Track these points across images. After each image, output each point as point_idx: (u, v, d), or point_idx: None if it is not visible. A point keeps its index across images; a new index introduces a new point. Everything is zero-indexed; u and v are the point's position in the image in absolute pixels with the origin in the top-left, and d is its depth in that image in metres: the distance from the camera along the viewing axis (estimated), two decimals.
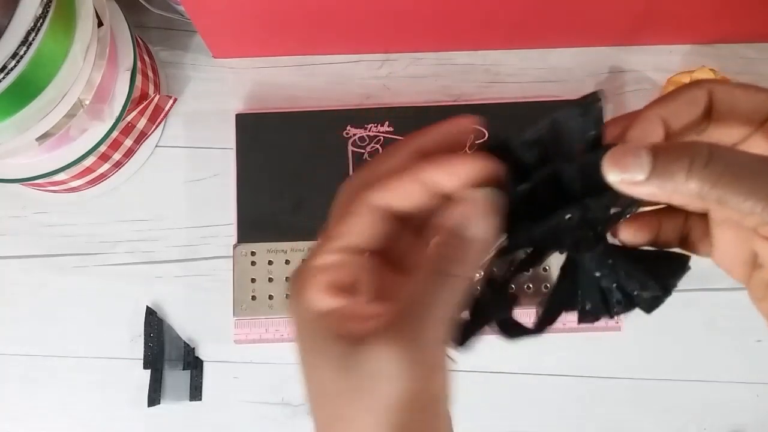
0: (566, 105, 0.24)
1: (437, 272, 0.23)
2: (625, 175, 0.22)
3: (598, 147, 0.24)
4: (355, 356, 0.22)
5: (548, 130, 0.24)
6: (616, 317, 0.26)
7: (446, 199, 0.24)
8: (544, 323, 0.26)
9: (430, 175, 0.24)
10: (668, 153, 0.22)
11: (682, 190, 0.21)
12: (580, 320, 0.26)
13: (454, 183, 0.24)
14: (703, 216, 0.26)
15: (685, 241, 0.27)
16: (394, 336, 0.22)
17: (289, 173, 0.58)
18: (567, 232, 0.24)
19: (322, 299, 0.24)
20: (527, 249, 0.26)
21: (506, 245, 0.25)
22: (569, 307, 0.26)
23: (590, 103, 0.24)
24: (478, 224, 0.23)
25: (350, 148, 0.58)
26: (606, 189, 0.23)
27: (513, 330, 0.26)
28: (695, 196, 0.21)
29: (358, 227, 0.24)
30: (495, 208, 0.24)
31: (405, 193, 0.24)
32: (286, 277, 0.56)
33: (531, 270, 0.26)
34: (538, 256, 0.27)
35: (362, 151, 0.58)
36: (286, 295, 0.56)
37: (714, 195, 0.21)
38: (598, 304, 0.26)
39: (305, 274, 0.25)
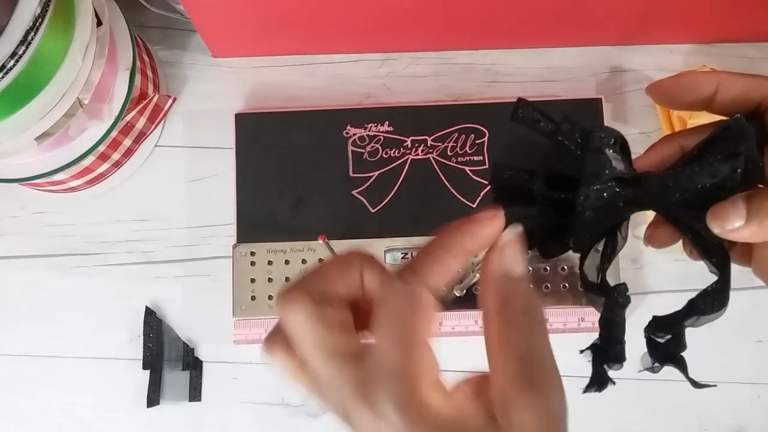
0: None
1: (517, 320, 0.25)
2: (727, 225, 0.25)
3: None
4: (507, 413, 0.23)
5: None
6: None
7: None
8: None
9: (465, 247, 0.26)
10: (759, 197, 0.24)
11: None
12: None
13: (486, 244, 0.26)
14: None
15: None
16: (532, 392, 0.23)
17: (288, 173, 0.58)
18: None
19: (435, 394, 0.24)
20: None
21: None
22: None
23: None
24: (519, 260, 0.26)
25: (350, 147, 0.58)
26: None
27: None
28: None
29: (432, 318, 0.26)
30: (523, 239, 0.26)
31: (448, 272, 0.26)
32: (286, 278, 0.56)
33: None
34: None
35: (362, 150, 0.58)
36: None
37: None
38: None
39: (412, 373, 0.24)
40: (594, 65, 0.60)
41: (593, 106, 0.58)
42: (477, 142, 0.57)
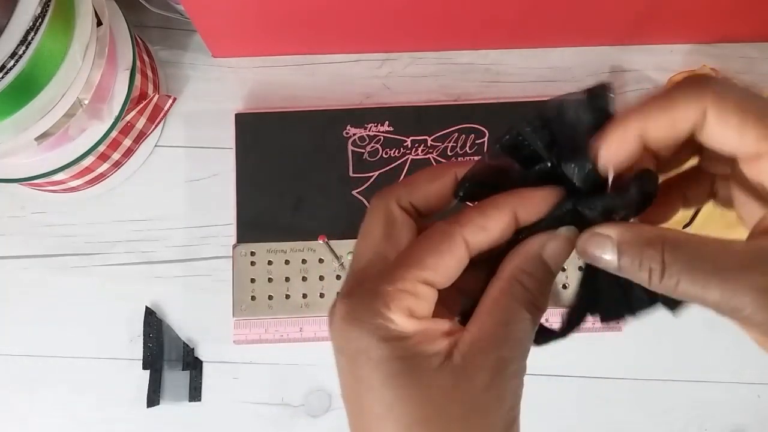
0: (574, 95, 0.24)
1: (530, 303, 0.24)
2: (599, 256, 0.23)
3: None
4: (466, 369, 0.23)
5: (555, 115, 0.24)
6: (639, 316, 0.26)
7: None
8: (570, 327, 0.26)
9: (520, 209, 0.24)
10: (630, 255, 0.22)
11: (652, 288, 0.22)
12: (603, 320, 0.26)
13: (535, 216, 0.25)
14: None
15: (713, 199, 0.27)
16: (492, 356, 0.23)
17: (288, 173, 0.58)
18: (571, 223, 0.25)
19: (406, 321, 0.23)
20: None
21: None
22: (593, 310, 0.26)
23: (596, 95, 0.24)
24: (562, 262, 0.25)
25: (350, 147, 0.58)
26: (603, 190, 0.24)
27: (540, 334, 0.26)
28: (668, 294, 0.22)
29: (445, 265, 0.24)
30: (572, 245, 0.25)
31: (497, 230, 0.24)
32: (286, 278, 0.56)
33: None
34: None
35: (362, 150, 0.58)
36: (286, 296, 0.55)
37: (683, 295, 0.22)
38: (620, 303, 0.25)
39: (385, 294, 0.23)
40: (594, 65, 0.60)
41: None
42: (477, 142, 0.57)
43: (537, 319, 0.24)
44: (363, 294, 0.24)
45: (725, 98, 0.22)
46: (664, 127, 0.23)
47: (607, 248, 0.23)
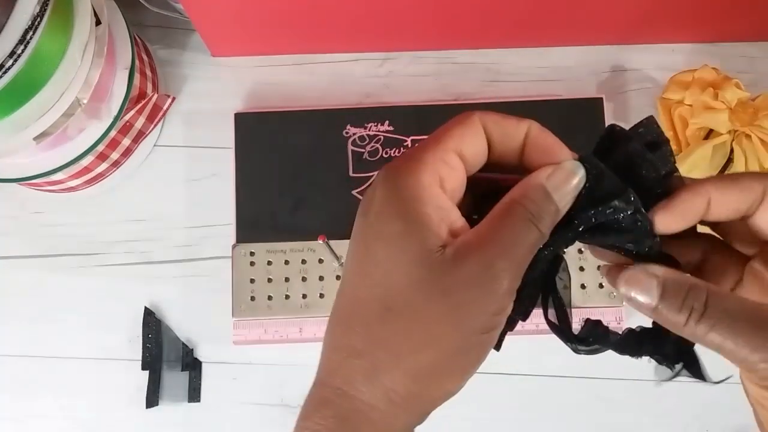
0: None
1: (527, 221, 0.24)
2: (638, 298, 0.24)
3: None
4: (461, 257, 0.23)
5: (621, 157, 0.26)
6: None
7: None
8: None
9: (533, 128, 0.26)
10: (673, 292, 0.24)
11: (681, 332, 0.24)
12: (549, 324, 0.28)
13: (549, 143, 0.26)
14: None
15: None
16: (492, 259, 0.23)
17: (288, 173, 0.57)
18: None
19: (437, 190, 0.24)
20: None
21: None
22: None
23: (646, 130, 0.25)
24: (567, 195, 0.25)
25: (350, 147, 0.58)
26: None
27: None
28: (694, 339, 0.24)
29: (469, 137, 0.25)
30: (579, 188, 0.25)
31: (509, 128, 0.25)
32: (286, 278, 0.55)
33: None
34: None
35: (362, 150, 0.57)
36: (286, 296, 0.55)
37: (710, 342, 0.23)
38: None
39: (424, 159, 0.24)
40: (595, 64, 0.60)
41: (594, 105, 0.58)
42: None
43: (534, 236, 0.24)
44: (407, 159, 0.25)
45: None
46: (730, 202, 0.25)
47: (651, 287, 0.24)
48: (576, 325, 0.28)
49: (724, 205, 0.25)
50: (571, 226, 0.25)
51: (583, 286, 0.55)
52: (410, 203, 0.24)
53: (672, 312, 0.24)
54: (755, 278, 0.26)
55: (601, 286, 0.55)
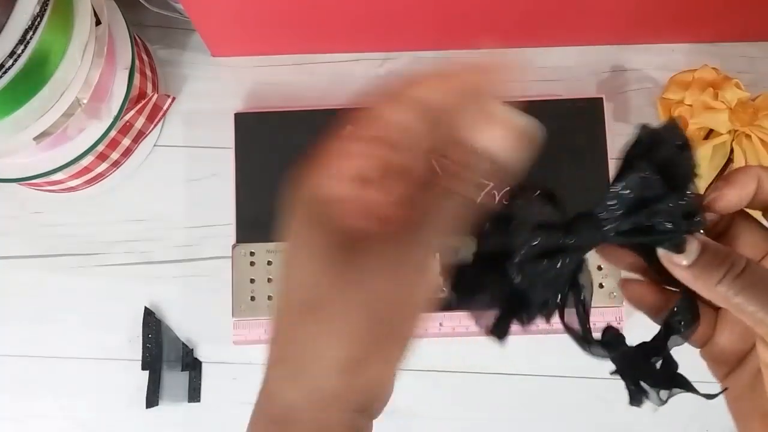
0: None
1: (448, 189, 0.24)
2: (672, 256, 0.26)
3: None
4: (353, 256, 0.23)
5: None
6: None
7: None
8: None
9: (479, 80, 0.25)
10: (713, 254, 0.25)
11: (710, 289, 0.25)
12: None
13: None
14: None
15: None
16: (396, 243, 0.23)
17: (288, 173, 0.57)
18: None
19: (336, 184, 0.24)
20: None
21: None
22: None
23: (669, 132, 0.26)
24: (513, 151, 0.24)
25: None
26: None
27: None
28: (720, 298, 0.25)
29: (398, 117, 0.24)
30: (533, 143, 0.24)
31: (448, 90, 0.24)
32: None
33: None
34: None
35: None
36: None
37: (736, 301, 0.25)
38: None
39: (327, 154, 0.25)
40: (595, 64, 0.60)
41: (594, 105, 0.58)
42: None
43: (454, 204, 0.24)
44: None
45: None
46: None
47: (692, 246, 0.25)
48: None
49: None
50: (601, 226, 0.25)
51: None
52: (303, 207, 0.25)
53: (710, 267, 0.25)
54: None
55: (601, 285, 0.55)
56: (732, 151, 0.56)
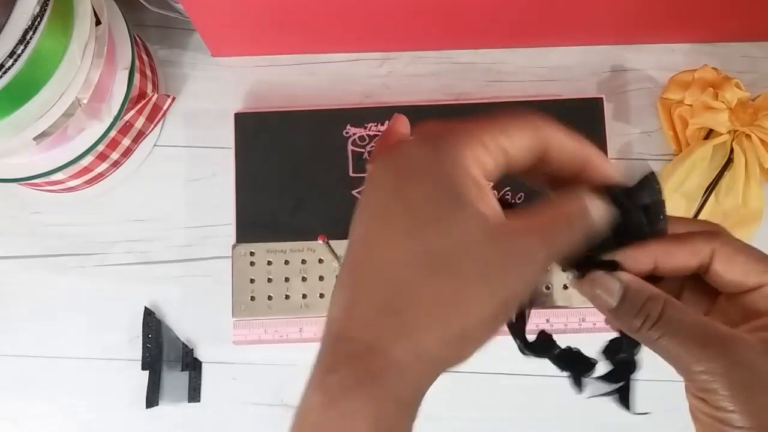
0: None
1: (578, 228, 0.25)
2: (602, 296, 0.26)
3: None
4: (509, 235, 0.24)
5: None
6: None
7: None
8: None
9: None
10: (630, 302, 0.26)
11: (634, 335, 0.26)
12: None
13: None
14: None
15: None
16: (542, 237, 0.24)
17: (288, 173, 0.57)
18: None
19: (478, 168, 0.24)
20: None
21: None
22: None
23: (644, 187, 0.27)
24: (593, 225, 0.25)
25: (350, 147, 0.58)
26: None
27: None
28: (645, 343, 0.26)
29: (514, 132, 0.25)
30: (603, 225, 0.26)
31: (568, 145, 0.26)
32: (286, 278, 0.55)
33: None
34: None
35: (362, 150, 0.57)
36: (286, 296, 0.55)
37: (659, 347, 0.25)
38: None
39: (466, 134, 0.24)
40: (595, 64, 0.60)
41: (594, 105, 0.58)
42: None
43: (576, 243, 0.25)
44: (447, 129, 0.25)
45: (732, 242, 0.26)
46: (678, 260, 0.27)
47: (614, 289, 0.26)
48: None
49: (671, 264, 0.27)
50: None
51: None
52: (459, 171, 0.24)
53: (629, 315, 0.25)
54: (720, 312, 0.28)
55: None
56: (732, 151, 0.56)
